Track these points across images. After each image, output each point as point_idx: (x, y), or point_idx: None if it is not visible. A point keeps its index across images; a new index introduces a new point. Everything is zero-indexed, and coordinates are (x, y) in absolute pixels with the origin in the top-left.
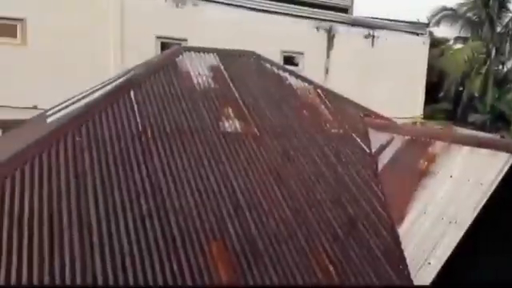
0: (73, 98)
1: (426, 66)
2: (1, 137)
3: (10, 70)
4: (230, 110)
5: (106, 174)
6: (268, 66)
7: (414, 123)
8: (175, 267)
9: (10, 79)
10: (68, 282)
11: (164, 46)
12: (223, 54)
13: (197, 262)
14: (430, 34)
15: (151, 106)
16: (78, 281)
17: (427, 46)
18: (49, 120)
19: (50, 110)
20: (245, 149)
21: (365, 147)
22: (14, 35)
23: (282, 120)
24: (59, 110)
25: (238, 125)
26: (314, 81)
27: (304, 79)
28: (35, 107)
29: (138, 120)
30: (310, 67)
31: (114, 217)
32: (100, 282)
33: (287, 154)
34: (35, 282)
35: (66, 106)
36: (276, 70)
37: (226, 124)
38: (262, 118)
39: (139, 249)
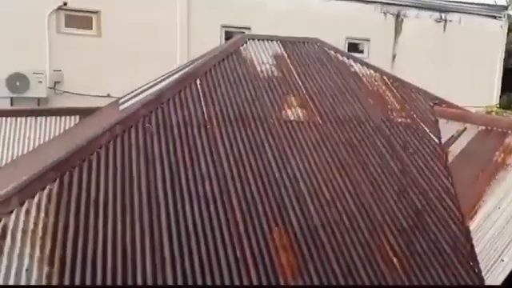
0: (143, 86)
1: (503, 52)
2: (78, 123)
3: (86, 60)
4: (293, 98)
5: (174, 159)
6: (332, 53)
7: (489, 113)
8: (238, 252)
9: (85, 69)
10: (138, 252)
11: (228, 35)
12: (287, 42)
13: (259, 248)
14: (509, 17)
15: (216, 94)
16: (148, 256)
17: (505, 31)
18: (121, 107)
19: (122, 98)
20: (307, 137)
21: (434, 138)
22: (90, 27)
23: (346, 108)
24: (130, 98)
25: (300, 113)
26: (381, 68)
27: (370, 66)
28: (108, 95)
29: (204, 108)
30: (376, 54)
31: (180, 200)
32: (168, 258)
33: (351, 143)
34: (109, 257)
35: (137, 94)
36: (340, 57)
37: (289, 112)
38: (325, 107)
39: (204, 232)
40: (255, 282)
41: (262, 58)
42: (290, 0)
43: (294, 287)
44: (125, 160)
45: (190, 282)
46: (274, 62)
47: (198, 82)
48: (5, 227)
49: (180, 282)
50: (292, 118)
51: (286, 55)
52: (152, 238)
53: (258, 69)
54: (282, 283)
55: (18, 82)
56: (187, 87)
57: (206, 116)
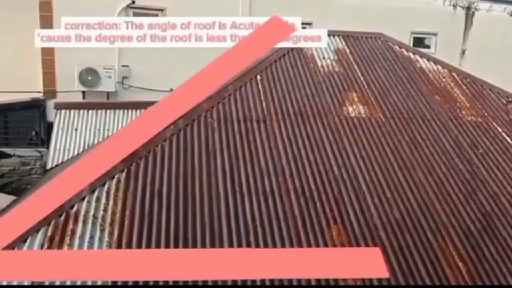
0: None
1: None
2: None
3: (152, 55)
4: (355, 94)
5: (233, 153)
6: (397, 48)
7: None
8: (295, 246)
9: (151, 64)
10: (198, 242)
11: None
12: (349, 37)
13: (316, 244)
14: None
15: (276, 90)
16: (208, 242)
17: None
18: None
19: None
20: (368, 134)
21: (507, 138)
22: None
23: (411, 105)
24: None
25: (362, 109)
26: (449, 64)
27: (437, 62)
28: (171, 90)
29: (264, 103)
30: (444, 49)
31: (239, 192)
32: (226, 247)
33: (415, 141)
34: (171, 245)
35: None
36: (405, 53)
37: (350, 108)
38: (388, 103)
39: (262, 226)
40: (313, 279)
41: (323, 53)
42: None
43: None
44: (187, 153)
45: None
46: (336, 58)
47: (259, 77)
48: (77, 213)
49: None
50: (353, 115)
51: (347, 50)
52: (212, 229)
53: (319, 64)
54: (340, 281)
55: (89, 76)
56: (248, 83)
57: (265, 111)
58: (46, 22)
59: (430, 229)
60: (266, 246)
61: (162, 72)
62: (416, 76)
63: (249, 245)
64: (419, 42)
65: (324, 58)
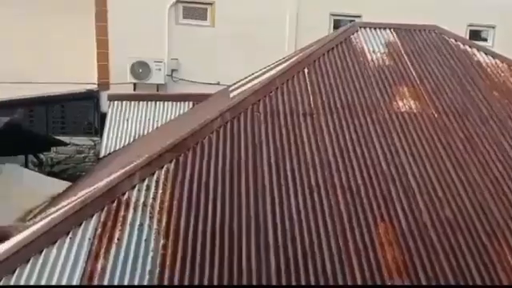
0: (252, 75)
1: None
2: (192, 108)
3: (200, 49)
4: (406, 89)
5: (279, 146)
6: (452, 41)
7: None
8: (341, 242)
9: (199, 58)
10: (244, 234)
11: (337, 24)
12: (401, 30)
13: (362, 241)
14: None
15: (324, 83)
16: (253, 240)
17: None
18: (231, 95)
19: (232, 85)
20: (419, 130)
21: None
22: (205, 18)
23: (466, 101)
24: (240, 86)
25: (413, 104)
26: (508, 58)
27: (495, 55)
28: (218, 83)
29: (311, 96)
30: (503, 43)
31: (285, 186)
32: (272, 244)
33: (470, 139)
34: (217, 236)
35: (246, 83)
36: (462, 46)
37: (400, 103)
38: (441, 99)
39: (307, 220)
40: (358, 275)
41: (373, 46)
42: None
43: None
44: (233, 145)
45: (292, 269)
46: (386, 51)
47: (306, 70)
48: (128, 200)
49: (283, 269)
50: (403, 110)
51: (399, 43)
52: (257, 222)
53: (369, 58)
54: (387, 278)
55: (140, 69)
56: (295, 76)
57: (312, 105)
58: (101, 18)
59: (485, 230)
60: (310, 240)
61: (210, 65)
62: (472, 70)
63: (293, 239)
64: (476, 35)
65: (374, 51)
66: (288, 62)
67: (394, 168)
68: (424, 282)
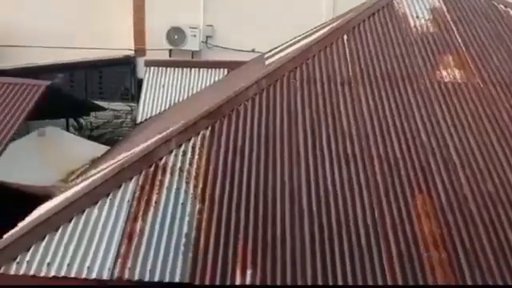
0: (288, 42)
1: None
2: (226, 76)
3: (235, 15)
4: (450, 58)
5: (315, 115)
6: (501, 7)
7: None
8: (377, 214)
9: (233, 24)
10: (278, 201)
11: None
12: None
13: (399, 213)
14: None
15: (363, 51)
16: (287, 206)
17: None
18: (267, 62)
19: (267, 53)
20: (463, 101)
21: None
22: None
23: None
24: (276, 53)
25: (457, 74)
26: None
27: None
28: (253, 50)
29: (349, 64)
30: None
31: (320, 154)
32: (306, 211)
33: None
34: (252, 202)
35: (282, 50)
36: (511, 12)
37: (444, 72)
38: (488, 68)
39: (342, 190)
40: (393, 247)
41: (416, 11)
42: None
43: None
44: (269, 113)
45: (326, 237)
46: (431, 17)
47: (345, 37)
48: (165, 165)
49: (317, 236)
50: (447, 79)
51: (445, 9)
52: (291, 189)
53: (412, 24)
54: (423, 251)
55: (176, 35)
56: (333, 43)
57: (350, 73)
58: None
59: None
60: (345, 210)
61: (245, 32)
62: None
63: (328, 208)
64: None
65: (418, 17)
66: (326, 29)
67: (434, 139)
68: (462, 256)
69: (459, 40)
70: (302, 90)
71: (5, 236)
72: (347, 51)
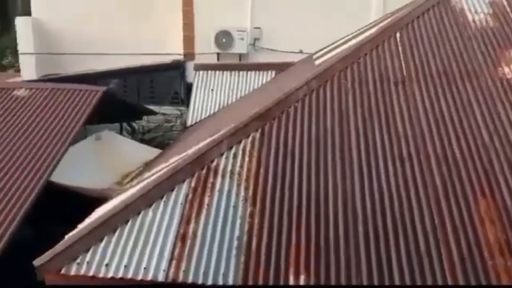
0: (337, 41)
1: None
2: (275, 77)
3: (282, 17)
4: None
5: (368, 115)
6: None
7: None
8: (436, 218)
9: (281, 26)
10: (331, 203)
11: None
12: None
13: (460, 217)
14: None
15: (417, 48)
16: (340, 210)
17: None
18: (317, 62)
19: (316, 53)
20: None
21: None
22: None
23: None
24: (325, 53)
25: None
26: None
27: None
28: (301, 51)
29: (403, 63)
30: None
31: (374, 157)
32: (360, 214)
33: None
34: (303, 205)
35: (332, 50)
36: None
37: (506, 69)
38: None
39: (398, 192)
40: (455, 254)
41: (475, 6)
42: None
43: None
44: (319, 114)
45: (381, 239)
46: (491, 11)
47: (398, 35)
48: (217, 167)
49: (372, 239)
50: (510, 76)
51: (505, 3)
52: (344, 192)
53: (470, 18)
54: (487, 259)
55: (223, 39)
56: (385, 41)
57: (404, 72)
58: None
59: None
60: (401, 213)
61: (292, 34)
62: None
63: (383, 210)
64: None
65: (476, 11)
66: (377, 27)
67: (497, 139)
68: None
69: None
70: (353, 90)
71: (66, 237)
72: (400, 49)
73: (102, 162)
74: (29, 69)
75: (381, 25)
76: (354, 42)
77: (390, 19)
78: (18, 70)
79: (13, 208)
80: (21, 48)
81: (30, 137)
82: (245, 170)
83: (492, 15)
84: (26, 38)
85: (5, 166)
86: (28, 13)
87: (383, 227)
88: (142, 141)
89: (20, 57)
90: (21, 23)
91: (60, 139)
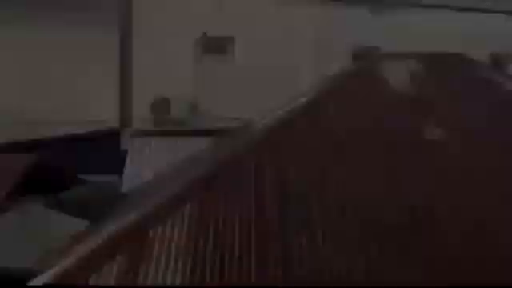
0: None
1: None
2: (213, 143)
3: (221, 84)
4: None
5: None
6: (479, 70)
7: None
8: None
9: (220, 93)
10: None
11: (356, 56)
12: (425, 59)
13: None
14: None
15: (345, 117)
16: None
17: None
18: (251, 129)
19: (254, 119)
20: None
21: None
22: (225, 52)
23: None
24: (261, 120)
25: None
26: None
27: None
28: (238, 118)
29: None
30: None
31: None
32: None
33: None
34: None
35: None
36: (493, 76)
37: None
38: None
39: None
40: None
41: (395, 76)
42: (429, 14)
43: None
44: None
45: None
46: (409, 81)
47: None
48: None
49: None
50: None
51: (423, 73)
52: None
53: (391, 88)
54: None
55: (161, 105)
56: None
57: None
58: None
59: None
60: None
61: (230, 100)
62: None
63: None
64: (498, 63)
65: (396, 81)
66: (305, 99)
67: None
68: None
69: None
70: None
71: None
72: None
73: (28, 237)
74: None
75: (309, 95)
76: (288, 110)
77: (315, 91)
78: None
79: None
80: None
81: None
82: (183, 240)
83: (410, 84)
84: None
85: None
86: None
87: None
88: (72, 212)
89: None
90: None
91: None
